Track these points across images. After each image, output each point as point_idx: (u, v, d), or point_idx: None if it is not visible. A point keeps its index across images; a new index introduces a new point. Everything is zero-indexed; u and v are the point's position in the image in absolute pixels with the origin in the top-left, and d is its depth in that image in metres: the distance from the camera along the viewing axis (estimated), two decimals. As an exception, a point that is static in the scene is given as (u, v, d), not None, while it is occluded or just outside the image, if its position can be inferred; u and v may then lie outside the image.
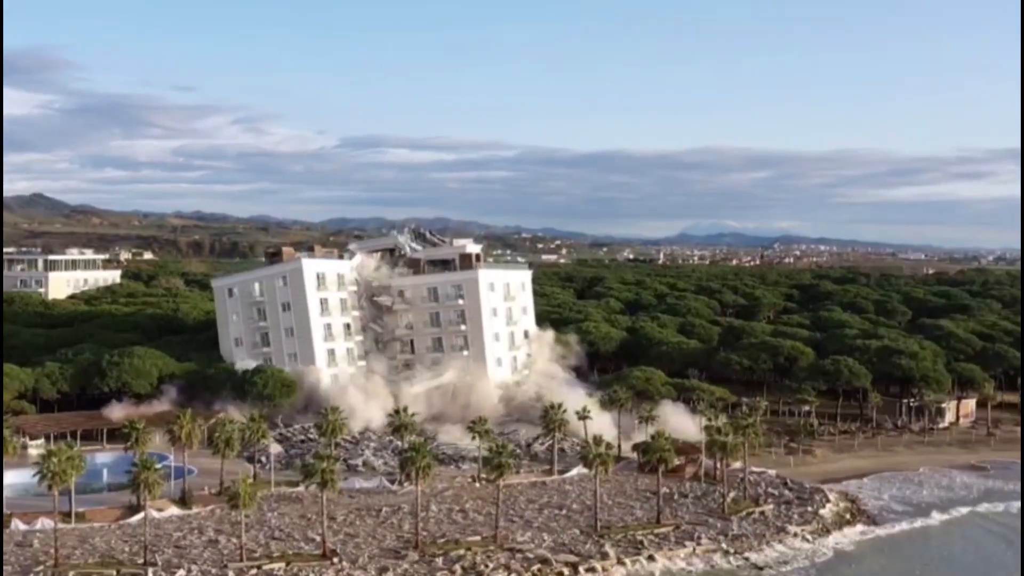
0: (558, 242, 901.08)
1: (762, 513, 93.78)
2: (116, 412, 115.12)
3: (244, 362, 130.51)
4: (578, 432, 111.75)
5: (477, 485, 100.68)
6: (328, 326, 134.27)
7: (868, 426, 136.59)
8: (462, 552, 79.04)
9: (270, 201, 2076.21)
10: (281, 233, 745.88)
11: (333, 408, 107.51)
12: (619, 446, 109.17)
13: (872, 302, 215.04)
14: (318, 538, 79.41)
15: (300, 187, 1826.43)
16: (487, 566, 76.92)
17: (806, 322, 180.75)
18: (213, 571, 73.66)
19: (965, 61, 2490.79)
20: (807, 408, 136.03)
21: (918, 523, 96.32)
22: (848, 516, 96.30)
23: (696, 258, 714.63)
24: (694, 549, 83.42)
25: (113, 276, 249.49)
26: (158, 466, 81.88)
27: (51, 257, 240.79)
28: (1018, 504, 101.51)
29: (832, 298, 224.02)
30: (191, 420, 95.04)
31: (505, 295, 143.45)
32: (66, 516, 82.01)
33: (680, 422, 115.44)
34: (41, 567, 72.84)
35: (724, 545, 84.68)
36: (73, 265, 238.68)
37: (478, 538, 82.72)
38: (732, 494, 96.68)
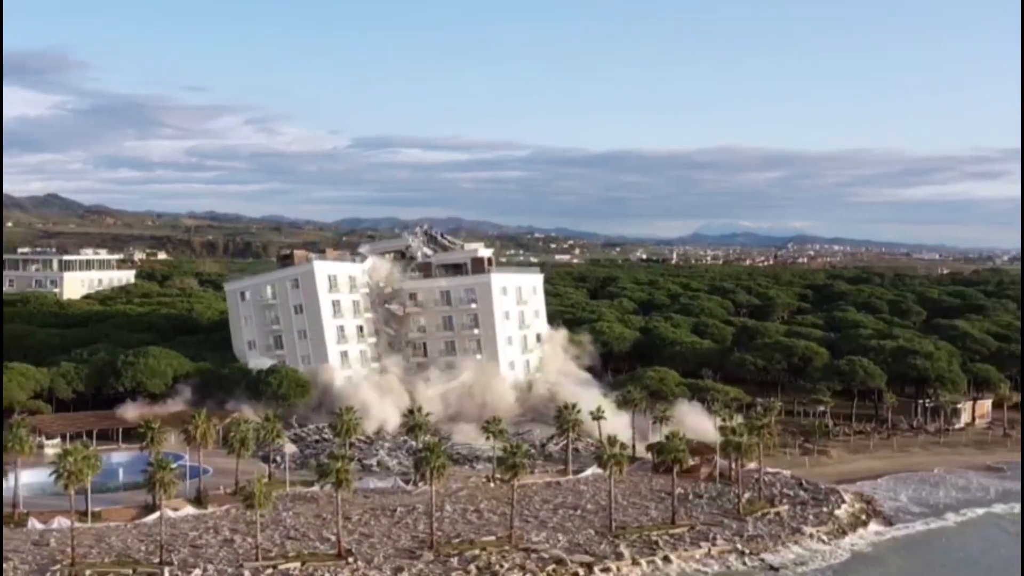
0: (571, 242, 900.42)
1: (777, 514, 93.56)
2: (130, 412, 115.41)
3: (258, 361, 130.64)
4: (593, 432, 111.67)
5: (491, 485, 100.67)
6: (341, 328, 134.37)
7: (883, 427, 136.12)
8: (477, 552, 79.05)
9: (283, 201, 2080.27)
10: (294, 233, 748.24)
11: (347, 408, 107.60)
12: (633, 446, 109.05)
13: (887, 302, 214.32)
14: (333, 538, 79.48)
15: (313, 187, 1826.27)
16: (502, 566, 76.90)
17: (820, 322, 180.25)
18: (229, 570, 73.82)
19: (980, 60, 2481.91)
20: (822, 408, 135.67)
21: (934, 524, 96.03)
22: (864, 517, 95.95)
23: (709, 258, 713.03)
24: (709, 550, 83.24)
25: (127, 276, 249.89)
26: (173, 466, 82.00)
27: (66, 257, 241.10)
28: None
29: (846, 298, 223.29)
30: (206, 420, 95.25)
31: (517, 299, 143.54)
32: (82, 515, 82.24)
33: (697, 421, 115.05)
34: (58, 566, 73.09)
35: (739, 546, 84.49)
36: (88, 265, 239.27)
37: (493, 538, 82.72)
38: (747, 495, 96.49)
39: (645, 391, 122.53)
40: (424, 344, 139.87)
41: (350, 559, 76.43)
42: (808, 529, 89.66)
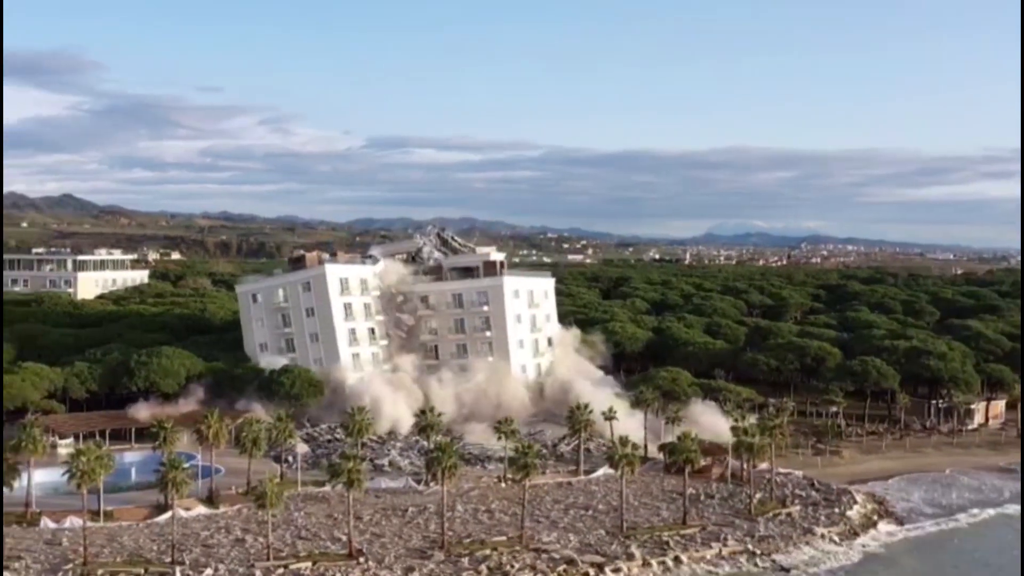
0: (584, 242, 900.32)
1: (789, 515, 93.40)
2: (142, 412, 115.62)
3: (271, 361, 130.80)
4: (605, 432, 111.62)
5: (503, 485, 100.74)
6: (352, 331, 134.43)
7: (896, 427, 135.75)
8: (488, 552, 79.11)
9: (297, 201, 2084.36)
10: (308, 233, 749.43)
11: (359, 408, 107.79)
12: (645, 446, 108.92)
13: (900, 302, 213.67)
14: (344, 538, 79.64)
15: (327, 187, 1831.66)
16: (513, 566, 76.98)
17: (833, 322, 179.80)
18: (240, 570, 74.04)
19: (991, 60, 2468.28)
20: (834, 409, 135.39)
21: (947, 525, 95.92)
22: (876, 518, 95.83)
23: (722, 258, 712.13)
24: (720, 550, 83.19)
25: (141, 276, 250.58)
26: (186, 465, 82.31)
27: (80, 257, 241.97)
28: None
29: (860, 298, 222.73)
30: (219, 420, 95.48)
31: (529, 302, 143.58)
32: (95, 515, 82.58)
33: (712, 421, 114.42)
34: (70, 565, 73.40)
35: (750, 546, 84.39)
36: (102, 265, 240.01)
37: (504, 538, 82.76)
38: (759, 495, 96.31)
39: (658, 391, 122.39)
40: (436, 347, 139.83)
41: (361, 559, 76.57)
42: (820, 530, 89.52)
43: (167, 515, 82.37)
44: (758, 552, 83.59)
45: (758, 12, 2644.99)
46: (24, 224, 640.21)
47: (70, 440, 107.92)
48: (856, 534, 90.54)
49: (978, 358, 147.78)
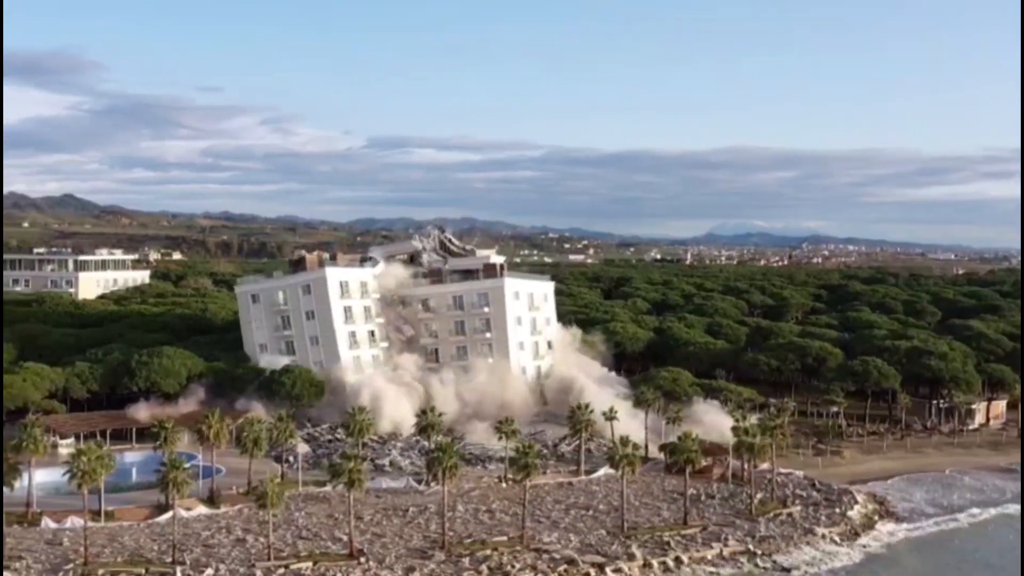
0: (585, 242, 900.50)
1: (790, 515, 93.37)
2: (141, 412, 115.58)
3: (271, 360, 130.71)
4: (606, 432, 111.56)
5: (504, 485, 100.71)
6: (353, 334, 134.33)
7: (897, 427, 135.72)
8: (489, 552, 79.09)
9: (298, 201, 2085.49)
10: (309, 233, 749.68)
11: (360, 408, 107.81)
12: (646, 447, 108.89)
13: (901, 302, 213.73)
14: (345, 538, 79.62)
15: (327, 187, 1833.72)
16: (514, 566, 76.93)
17: (834, 323, 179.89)
18: (241, 570, 74.02)
19: (991, 59, 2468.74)
20: (835, 409, 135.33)
21: (949, 525, 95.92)
22: (877, 518, 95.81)
23: (723, 258, 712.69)
24: (721, 551, 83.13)
25: (142, 276, 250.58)
26: (186, 465, 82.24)
27: (81, 257, 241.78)
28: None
29: (861, 298, 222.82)
30: (219, 420, 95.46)
31: (530, 305, 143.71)
32: (95, 515, 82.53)
33: (716, 420, 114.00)
34: (71, 565, 73.37)
35: (751, 547, 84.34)
36: (103, 265, 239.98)
37: (505, 538, 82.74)
38: (759, 495, 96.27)
39: (659, 391, 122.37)
40: (436, 350, 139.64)
41: (362, 559, 76.55)
42: (820, 530, 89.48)
43: (168, 515, 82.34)
44: (759, 552, 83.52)
45: (758, 12, 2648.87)
46: (25, 224, 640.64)
47: (71, 440, 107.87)
48: (857, 534, 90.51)
49: (979, 358, 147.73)
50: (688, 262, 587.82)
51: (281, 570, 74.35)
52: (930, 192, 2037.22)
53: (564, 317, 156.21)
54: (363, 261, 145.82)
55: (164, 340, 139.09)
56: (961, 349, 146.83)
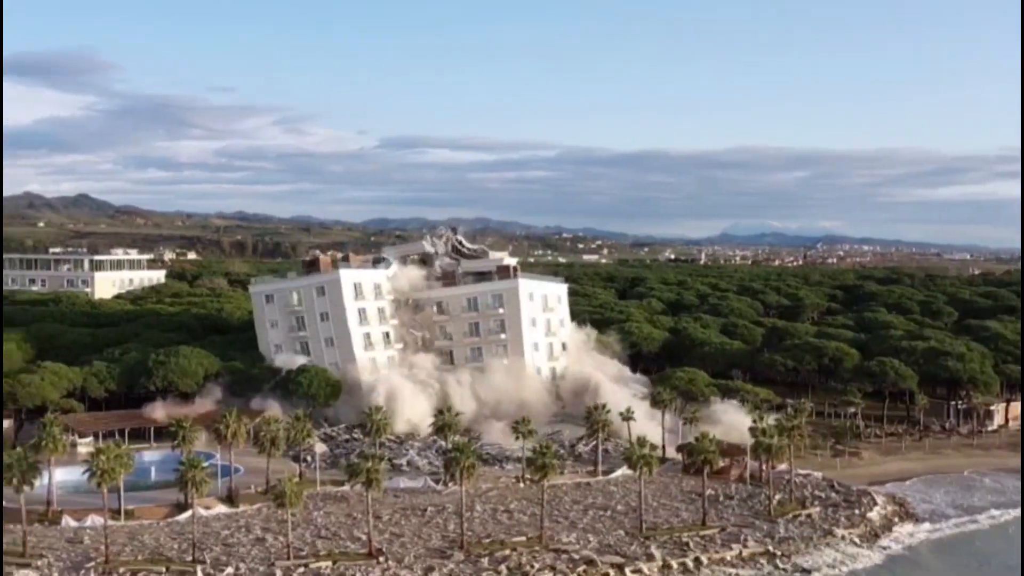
0: (599, 242, 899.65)
1: (808, 516, 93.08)
2: (158, 411, 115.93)
3: (287, 359, 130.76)
4: (623, 433, 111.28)
5: (521, 485, 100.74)
6: (367, 335, 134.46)
7: (915, 428, 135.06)
8: (507, 552, 79.11)
9: (312, 201, 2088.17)
10: (323, 233, 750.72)
11: (376, 407, 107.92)
12: (664, 447, 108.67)
13: (917, 303, 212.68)
14: (364, 537, 79.75)
15: (341, 187, 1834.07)
16: (532, 566, 76.91)
17: (850, 323, 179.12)
18: (260, 569, 74.22)
19: (1008, 58, 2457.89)
20: (853, 410, 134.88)
21: (969, 527, 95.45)
22: (896, 519, 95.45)
23: (738, 258, 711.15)
24: (740, 552, 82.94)
25: (158, 276, 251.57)
26: (205, 464, 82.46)
27: (97, 257, 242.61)
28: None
29: (877, 299, 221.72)
30: (237, 419, 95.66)
31: (544, 306, 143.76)
32: (115, 513, 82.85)
33: (736, 419, 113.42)
34: (92, 563, 73.73)
35: (770, 547, 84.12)
36: (118, 265, 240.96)
37: (523, 538, 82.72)
38: (778, 496, 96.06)
39: (675, 392, 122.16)
40: (451, 352, 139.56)
41: (381, 558, 76.66)
42: (840, 531, 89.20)
43: (187, 514, 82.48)
44: (778, 554, 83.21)
45: (773, 12, 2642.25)
46: (41, 224, 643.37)
47: (89, 439, 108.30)
48: (877, 536, 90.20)
49: (997, 359, 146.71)
50: (702, 262, 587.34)
51: (301, 569, 74.50)
52: (946, 192, 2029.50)
53: (579, 317, 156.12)
54: (376, 262, 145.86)
55: (180, 340, 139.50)
56: (979, 350, 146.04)
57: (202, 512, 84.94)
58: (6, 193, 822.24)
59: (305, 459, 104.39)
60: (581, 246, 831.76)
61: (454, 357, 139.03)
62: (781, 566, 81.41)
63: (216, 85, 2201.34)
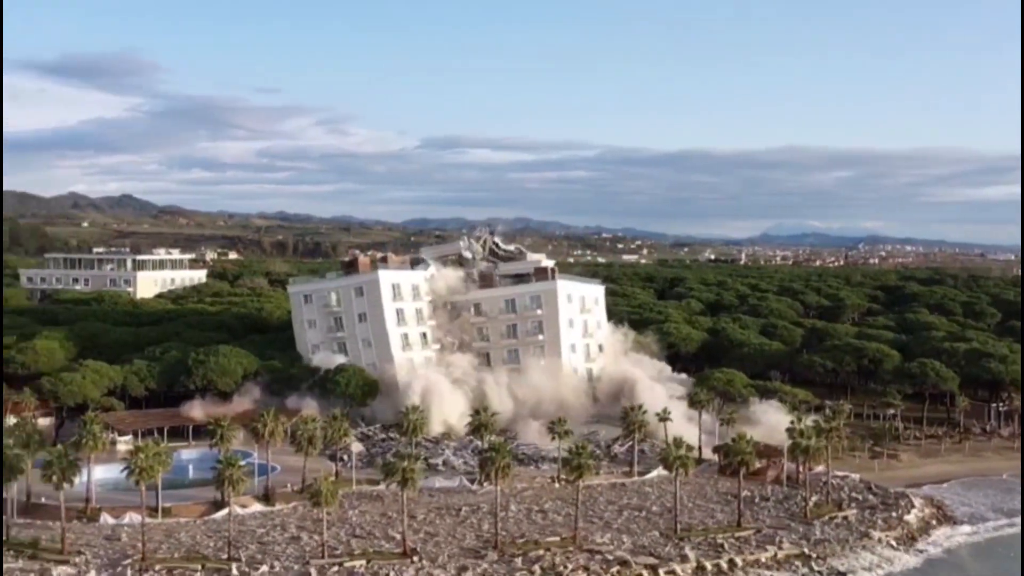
0: (639, 242, 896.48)
1: (845, 518, 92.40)
2: (196, 409, 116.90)
3: (325, 358, 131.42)
4: (659, 433, 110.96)
5: (556, 486, 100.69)
6: (405, 336, 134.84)
7: (955, 431, 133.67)
8: (541, 552, 79.09)
9: (353, 201, 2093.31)
10: (363, 233, 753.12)
11: (413, 407, 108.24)
12: (700, 448, 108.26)
13: (960, 304, 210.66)
14: (398, 536, 79.99)
15: (382, 187, 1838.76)
16: (566, 567, 76.86)
17: (891, 324, 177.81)
18: (295, 567, 74.68)
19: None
20: (892, 412, 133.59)
21: (1007, 530, 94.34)
22: (934, 522, 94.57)
23: (779, 258, 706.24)
24: (775, 553, 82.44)
25: (199, 276, 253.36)
26: (242, 463, 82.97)
27: (139, 257, 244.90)
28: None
29: (918, 299, 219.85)
30: (275, 418, 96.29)
31: (581, 307, 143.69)
32: (153, 511, 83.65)
33: (775, 420, 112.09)
34: (129, 560, 74.46)
35: (806, 550, 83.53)
36: (160, 265, 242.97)
37: (557, 539, 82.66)
38: (814, 498, 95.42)
39: (713, 392, 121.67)
40: (488, 353, 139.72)
41: (415, 558, 76.87)
42: (877, 534, 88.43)
43: (224, 512, 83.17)
44: (814, 556, 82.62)
45: (815, 12, 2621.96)
46: (85, 224, 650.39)
47: (129, 437, 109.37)
48: (914, 538, 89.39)
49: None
50: (742, 262, 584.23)
51: (335, 568, 74.87)
52: (990, 192, 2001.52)
53: (617, 317, 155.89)
54: (414, 263, 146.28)
55: (220, 339, 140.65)
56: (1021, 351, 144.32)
57: (238, 510, 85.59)
58: (52, 194, 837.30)
59: (341, 458, 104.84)
60: (621, 246, 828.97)
61: (491, 359, 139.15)
62: (816, 569, 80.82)
63: (260, 86, 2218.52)
